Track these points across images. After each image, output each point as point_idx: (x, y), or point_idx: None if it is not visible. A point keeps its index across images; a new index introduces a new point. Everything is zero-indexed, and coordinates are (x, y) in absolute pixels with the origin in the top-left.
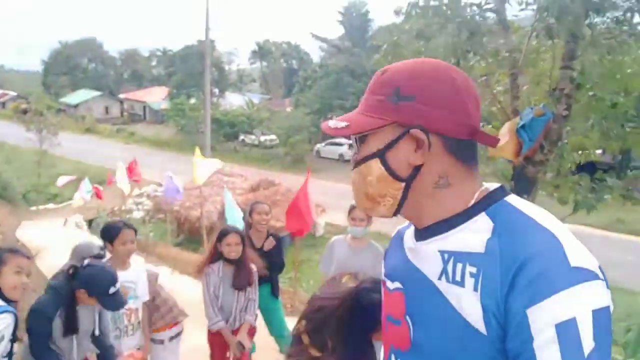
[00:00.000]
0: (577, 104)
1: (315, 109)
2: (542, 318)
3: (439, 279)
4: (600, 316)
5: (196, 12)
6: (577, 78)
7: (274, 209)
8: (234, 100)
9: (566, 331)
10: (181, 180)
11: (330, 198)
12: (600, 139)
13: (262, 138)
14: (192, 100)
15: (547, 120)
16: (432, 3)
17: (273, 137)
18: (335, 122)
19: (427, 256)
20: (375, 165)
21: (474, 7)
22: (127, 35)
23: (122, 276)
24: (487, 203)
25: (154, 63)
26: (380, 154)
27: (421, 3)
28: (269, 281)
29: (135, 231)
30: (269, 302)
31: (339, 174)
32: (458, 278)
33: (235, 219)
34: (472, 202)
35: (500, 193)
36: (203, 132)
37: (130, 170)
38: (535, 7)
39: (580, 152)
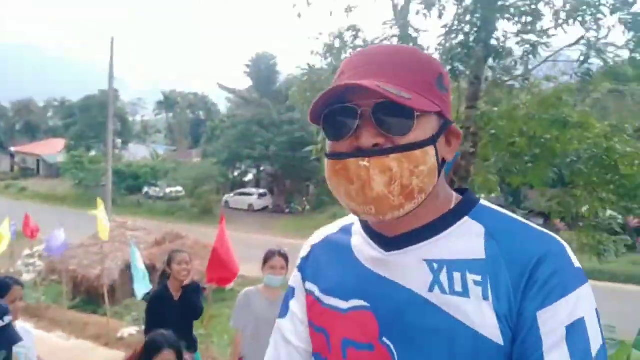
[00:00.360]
0: (481, 142)
1: (224, 159)
2: (554, 320)
3: (430, 291)
4: (598, 315)
5: (100, 62)
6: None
7: None
8: (137, 152)
9: (575, 332)
10: (79, 237)
11: (240, 249)
12: (503, 175)
13: (168, 190)
14: (92, 153)
15: (456, 157)
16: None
17: (179, 188)
18: (394, 89)
19: (407, 267)
20: (431, 153)
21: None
22: (20, 87)
23: None
24: (467, 207)
25: (50, 114)
26: (434, 142)
27: (336, 45)
28: (184, 334)
29: (22, 286)
30: None
31: (249, 224)
32: (459, 288)
33: (141, 279)
34: (452, 206)
35: (473, 197)
36: (104, 185)
37: (27, 226)
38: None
39: (482, 195)
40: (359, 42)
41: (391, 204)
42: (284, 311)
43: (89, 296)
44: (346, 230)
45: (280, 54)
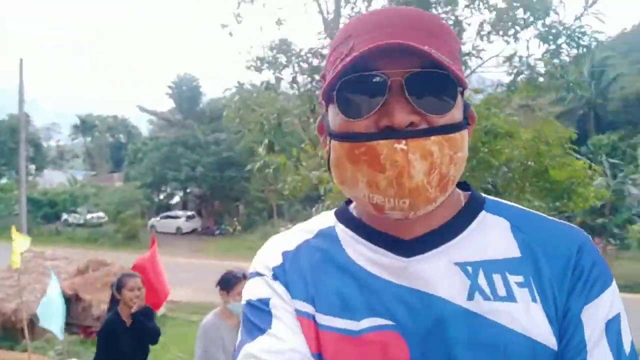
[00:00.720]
0: None
1: (148, 182)
2: (596, 316)
3: (470, 299)
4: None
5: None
6: None
7: (107, 291)
8: (54, 178)
9: (613, 328)
10: None
11: (169, 273)
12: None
13: (88, 216)
14: (3, 180)
15: None
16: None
17: (101, 214)
18: (446, 59)
19: (436, 274)
20: (466, 137)
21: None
22: None
23: None
24: (479, 201)
25: None
26: (467, 125)
27: (269, 58)
28: None
29: None
30: None
31: (177, 247)
32: (502, 293)
33: (52, 312)
34: (463, 201)
35: (475, 191)
36: (17, 214)
37: None
38: None
39: None
40: (290, 57)
41: (427, 197)
42: (263, 325)
43: (5, 331)
44: (328, 235)
45: (202, 76)
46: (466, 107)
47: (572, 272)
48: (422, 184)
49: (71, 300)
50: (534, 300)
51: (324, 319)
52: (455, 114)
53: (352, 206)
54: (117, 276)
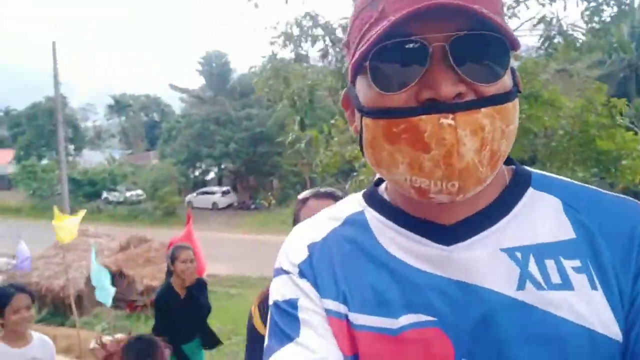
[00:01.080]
0: None
1: (183, 159)
2: None
3: (521, 288)
4: None
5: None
6: None
7: (149, 267)
8: (93, 158)
9: None
10: (38, 248)
11: (207, 248)
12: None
13: (128, 194)
14: (45, 161)
15: None
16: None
17: (139, 192)
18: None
19: (481, 262)
20: (517, 107)
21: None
22: None
23: (24, 354)
24: (524, 177)
25: None
26: (518, 92)
27: (295, 33)
28: (196, 332)
29: (33, 297)
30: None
31: (214, 223)
32: (557, 280)
33: (103, 282)
34: (507, 177)
35: (519, 165)
36: (60, 194)
37: None
38: None
39: None
40: (318, 30)
41: (478, 178)
42: (291, 333)
43: (55, 308)
44: (357, 222)
45: (231, 52)
46: (513, 72)
47: (637, 253)
48: (472, 163)
49: (115, 276)
50: (593, 287)
51: (358, 318)
52: (506, 81)
53: (381, 188)
54: (157, 252)
